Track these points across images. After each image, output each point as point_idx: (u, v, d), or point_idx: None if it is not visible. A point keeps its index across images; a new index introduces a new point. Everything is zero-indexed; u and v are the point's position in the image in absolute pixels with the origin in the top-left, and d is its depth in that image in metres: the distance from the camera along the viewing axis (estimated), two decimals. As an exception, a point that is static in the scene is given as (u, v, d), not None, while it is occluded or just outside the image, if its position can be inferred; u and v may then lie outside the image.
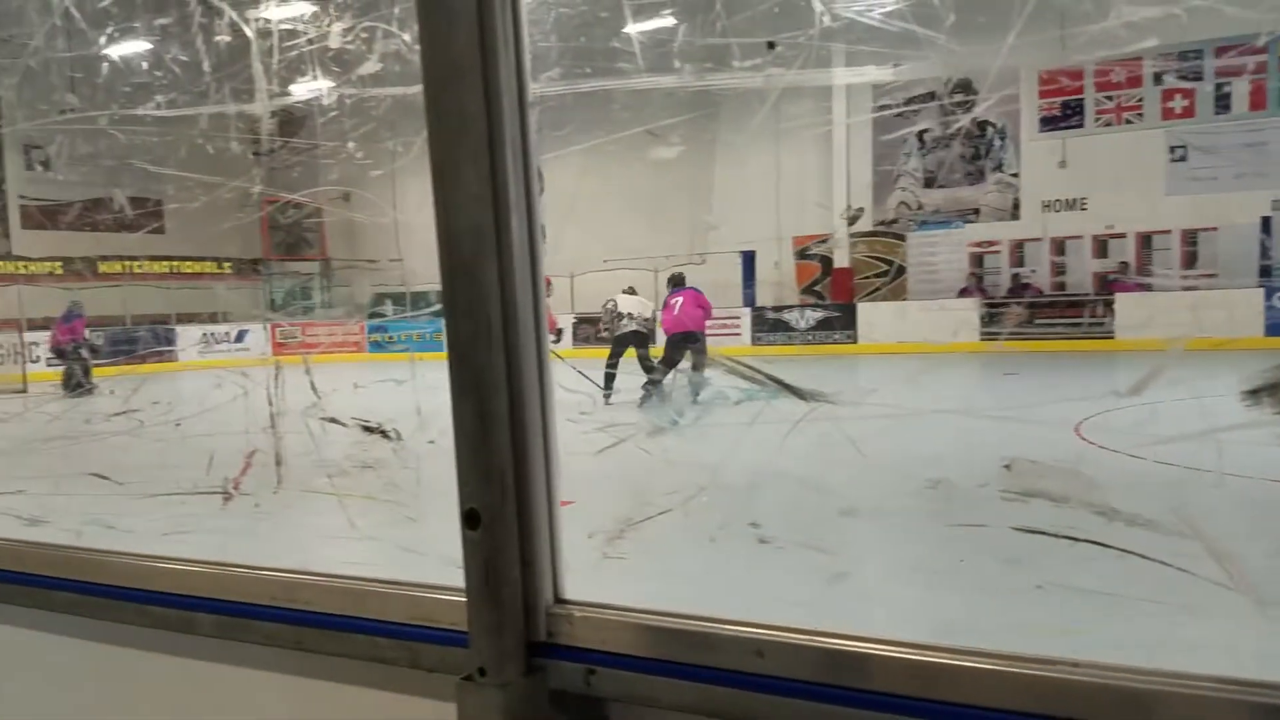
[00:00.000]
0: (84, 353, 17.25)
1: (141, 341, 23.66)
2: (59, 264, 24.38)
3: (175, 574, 1.45)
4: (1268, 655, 3.22)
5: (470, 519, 1.16)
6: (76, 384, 16.33)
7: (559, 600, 1.19)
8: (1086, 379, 12.78)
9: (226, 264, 27.93)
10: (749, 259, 21.58)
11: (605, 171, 19.81)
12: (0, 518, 1.97)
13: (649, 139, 18.25)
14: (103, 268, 25.38)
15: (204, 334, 25.19)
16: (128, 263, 25.70)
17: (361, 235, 27.89)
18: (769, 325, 20.36)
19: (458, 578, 1.21)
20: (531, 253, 1.14)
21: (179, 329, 24.96)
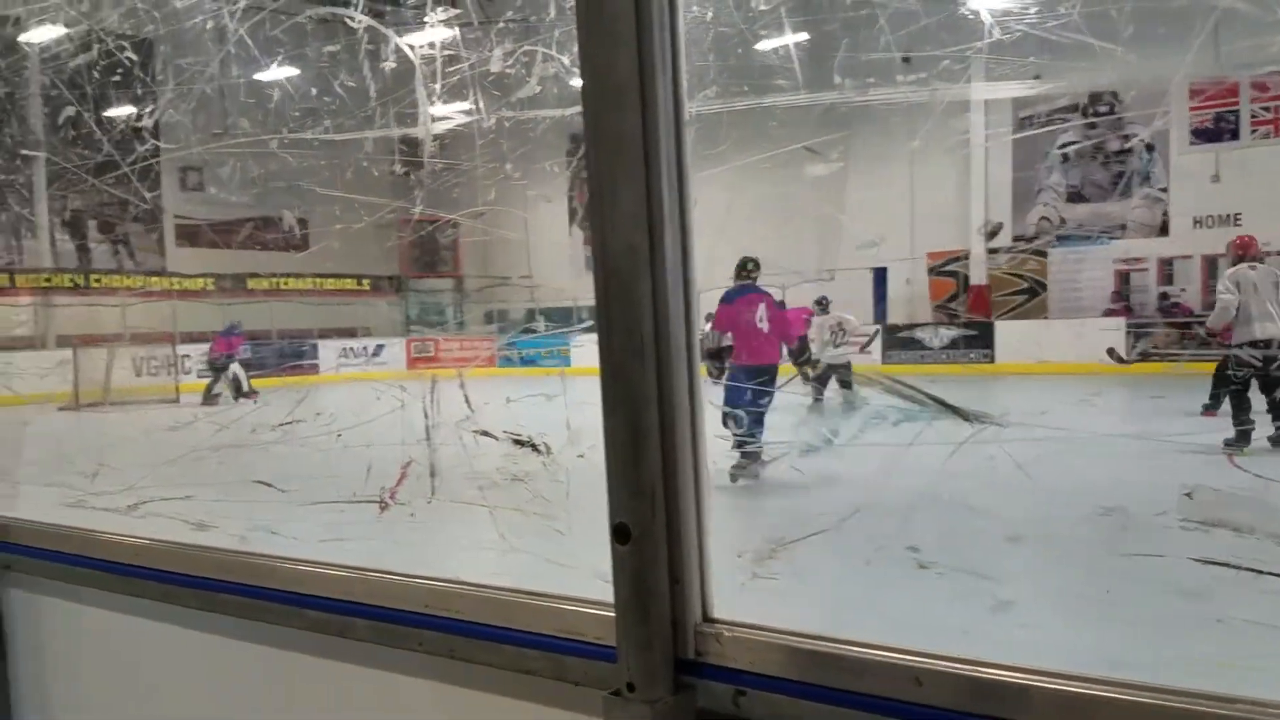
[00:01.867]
0: (235, 367, 18.24)
1: (286, 354, 24.87)
2: (211, 280, 25.86)
3: (333, 580, 1.50)
4: None
5: (620, 533, 1.16)
6: (231, 392, 17.34)
7: (708, 619, 1.18)
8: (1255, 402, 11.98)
9: (366, 280, 29.09)
10: (880, 275, 21.17)
11: (744, 188, 19.65)
12: (171, 522, 2.09)
13: (802, 155, 18.10)
14: (250, 284, 26.81)
15: (343, 348, 26.28)
16: (275, 279, 27.07)
17: (491, 253, 28.61)
18: (900, 343, 19.91)
19: (605, 592, 1.22)
20: (684, 270, 1.15)
21: (320, 343, 26.11)
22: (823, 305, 14.05)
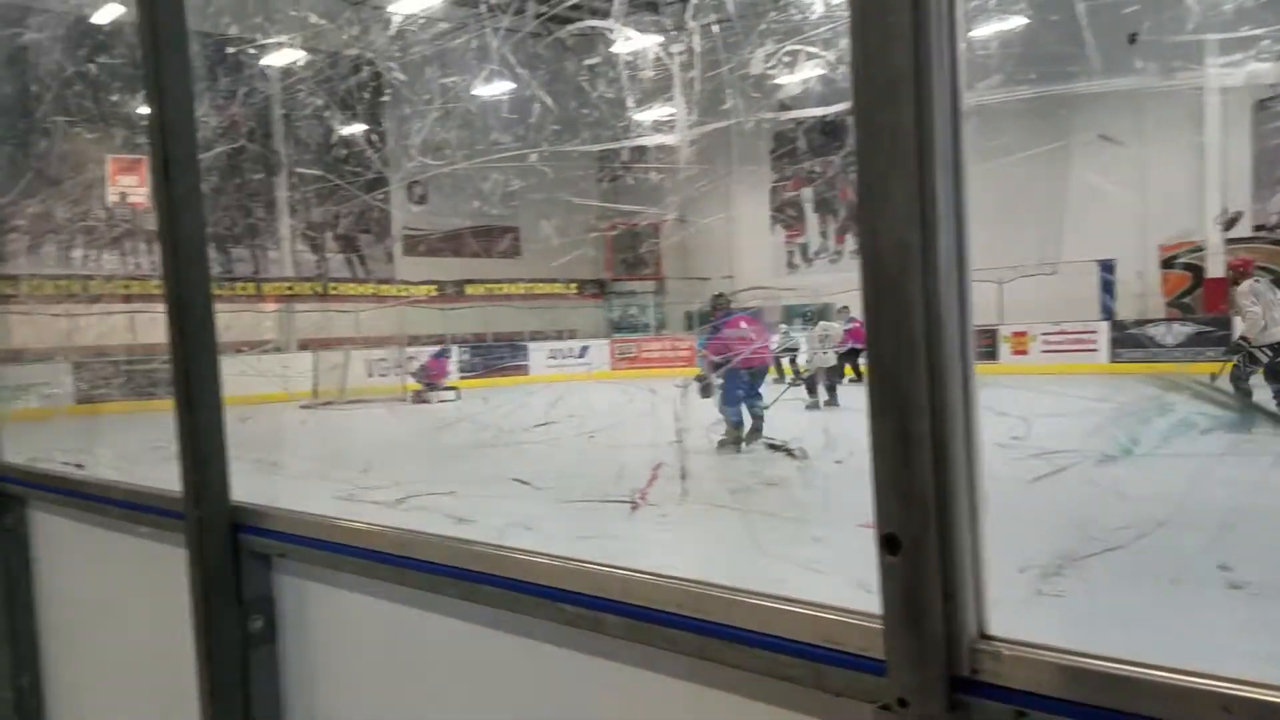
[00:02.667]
0: (440, 388, 19.56)
1: (501, 354, 26.00)
2: (434, 287, 27.40)
3: (587, 575, 1.54)
4: None
5: (889, 544, 1.13)
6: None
7: (984, 636, 1.13)
8: None
9: (573, 284, 30.02)
10: (1107, 268, 19.86)
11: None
12: (435, 515, 2.21)
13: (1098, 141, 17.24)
14: (468, 289, 28.22)
15: (551, 350, 27.22)
16: (491, 285, 28.38)
17: (691, 254, 28.84)
18: (1130, 341, 18.60)
19: (867, 602, 1.19)
20: (959, 270, 1.10)
21: (530, 345, 27.16)
22: (843, 314, 15.63)
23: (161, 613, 2.56)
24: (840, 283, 22.64)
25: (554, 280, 29.07)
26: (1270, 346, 10.18)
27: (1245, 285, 10.76)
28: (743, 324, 10.28)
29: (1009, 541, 1.31)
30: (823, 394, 13.36)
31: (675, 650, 1.44)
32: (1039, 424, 9.04)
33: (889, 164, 1.08)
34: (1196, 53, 14.57)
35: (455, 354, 24.22)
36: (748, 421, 8.99)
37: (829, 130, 24.10)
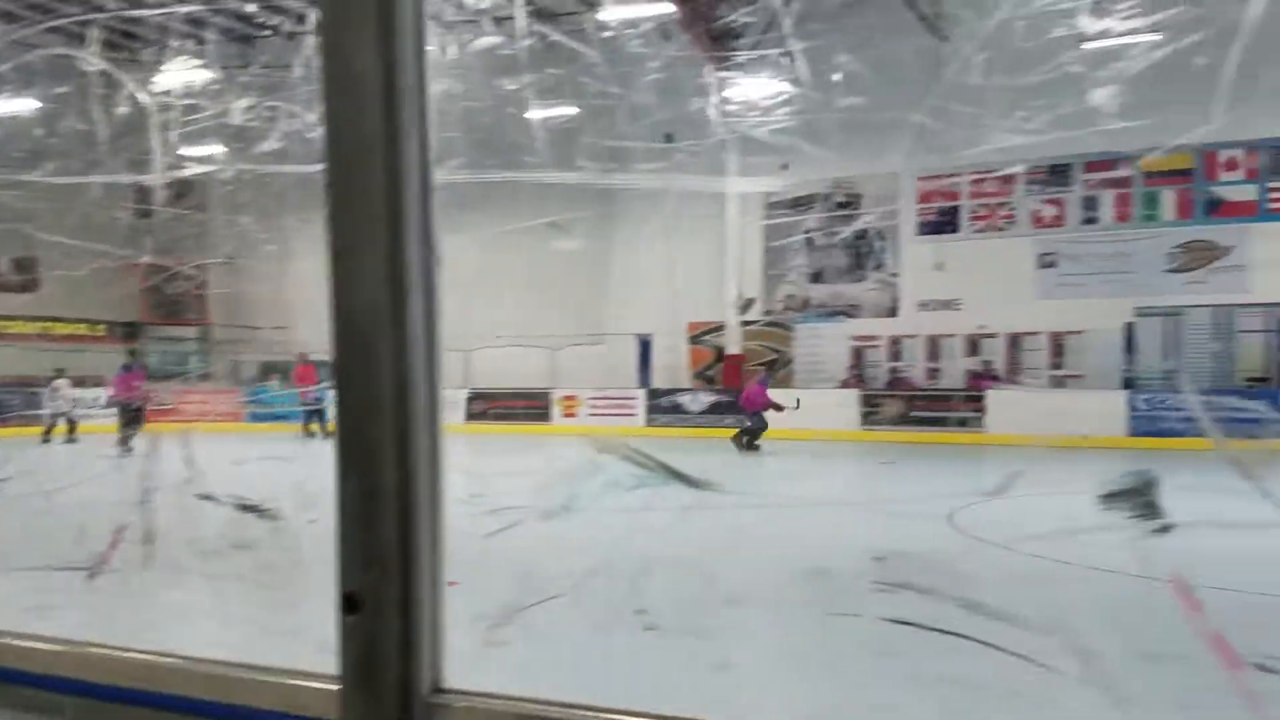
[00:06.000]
0: None
1: (11, 405, 22.35)
2: (-80, 324, 23.00)
3: (39, 654, 1.36)
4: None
5: (349, 603, 1.12)
6: None
7: (438, 689, 1.16)
8: (959, 472, 13.21)
9: (100, 326, 26.77)
10: (645, 343, 21.82)
11: (509, 255, 19.97)
12: None
13: (552, 229, 18.53)
14: (-38, 327, 24.06)
15: (73, 398, 23.89)
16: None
17: (245, 305, 27.12)
18: (663, 408, 20.53)
19: (334, 664, 1.17)
20: (429, 331, 1.14)
21: (48, 391, 23.61)
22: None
23: None
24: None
25: (79, 320, 25.71)
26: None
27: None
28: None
29: (465, 594, 1.37)
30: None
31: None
32: (496, 482, 9.84)
33: (361, 227, 1.10)
34: (719, 162, 16.76)
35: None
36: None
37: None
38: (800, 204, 21.02)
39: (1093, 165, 18.17)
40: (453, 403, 21.77)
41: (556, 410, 21.07)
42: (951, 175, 19.32)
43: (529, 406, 20.74)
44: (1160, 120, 11.51)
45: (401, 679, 1.13)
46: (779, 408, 15.38)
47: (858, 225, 20.40)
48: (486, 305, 22.15)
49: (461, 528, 1.23)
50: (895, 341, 20.27)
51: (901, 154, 16.11)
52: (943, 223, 19.84)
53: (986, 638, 4.24)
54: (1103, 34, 9.69)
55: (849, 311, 20.80)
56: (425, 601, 1.15)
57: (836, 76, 12.11)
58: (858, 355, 20.52)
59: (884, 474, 13.31)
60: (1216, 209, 17.70)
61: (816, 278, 21.26)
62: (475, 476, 9.31)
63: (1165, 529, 5.72)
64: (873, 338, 20.49)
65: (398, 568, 1.13)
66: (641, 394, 20.95)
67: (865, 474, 13.54)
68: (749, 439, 15.57)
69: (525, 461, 11.35)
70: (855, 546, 6.48)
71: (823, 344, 20.95)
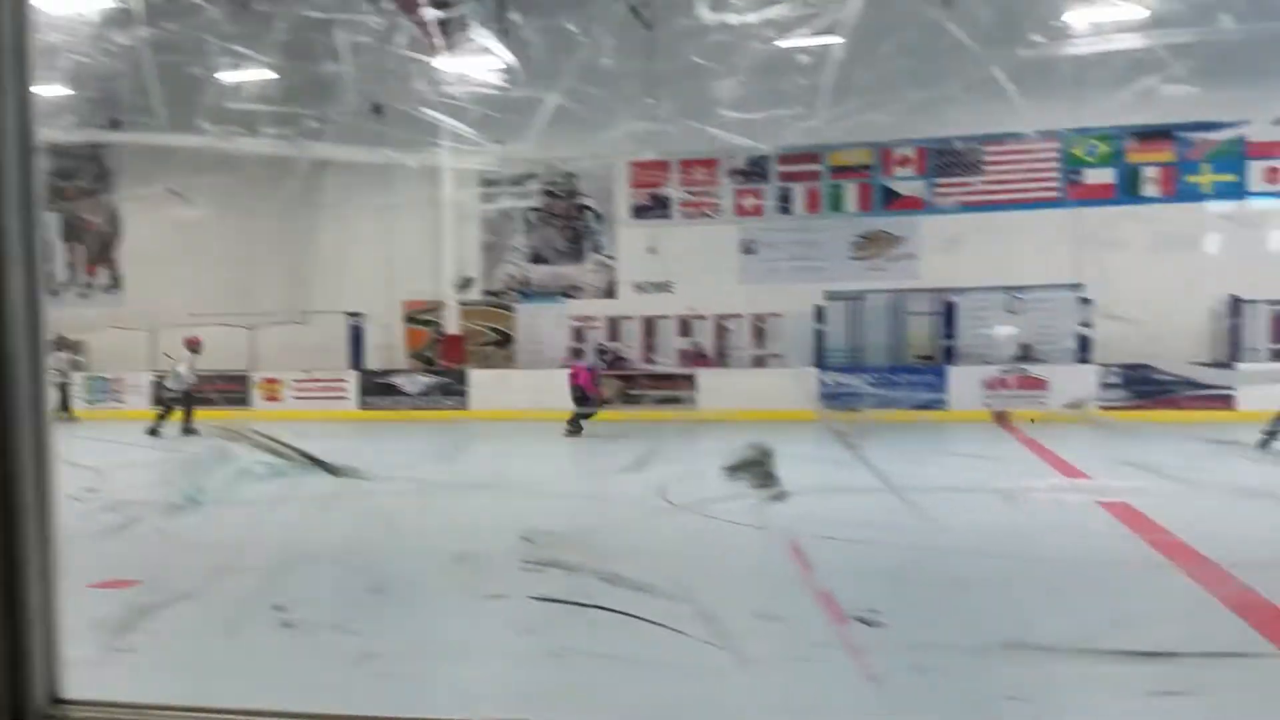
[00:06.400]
0: None
1: None
2: None
3: None
4: (748, 710, 3.66)
5: (-60, 615, 1.00)
6: None
7: (57, 700, 1.06)
8: (618, 450, 13.22)
9: None
10: (356, 323, 21.09)
11: (204, 230, 18.57)
12: None
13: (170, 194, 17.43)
14: None
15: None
16: None
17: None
18: (378, 389, 19.93)
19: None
20: (31, 310, 1.03)
21: None
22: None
23: None
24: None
25: None
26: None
27: None
28: None
29: (83, 598, 1.26)
30: None
31: None
32: (115, 475, 9.28)
33: (-57, 192, 0.97)
34: (433, 133, 16.44)
35: None
36: None
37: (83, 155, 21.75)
38: (518, 183, 21.07)
39: (785, 158, 19.52)
40: (135, 388, 20.02)
41: (256, 394, 19.93)
42: (662, 162, 20.09)
43: (224, 390, 19.42)
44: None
45: (11, 692, 1.02)
46: (601, 397, 15.20)
47: (574, 205, 20.77)
48: (175, 282, 20.55)
49: (75, 527, 1.13)
50: (614, 322, 20.83)
51: (615, 137, 16.55)
52: (655, 207, 20.60)
53: (625, 608, 4.49)
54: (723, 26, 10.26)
55: (569, 293, 21.13)
56: (36, 608, 1.04)
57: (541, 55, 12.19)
58: (578, 336, 20.92)
59: (541, 454, 13.43)
60: (892, 202, 19.56)
61: (537, 259, 21.43)
62: (90, 470, 8.71)
63: (780, 496, 6.32)
64: (592, 319, 20.95)
65: (2, 574, 1.02)
66: (354, 376, 20.24)
67: (530, 454, 13.50)
68: (576, 421, 15.27)
69: (148, 453, 10.67)
70: (505, 527, 6.58)
71: (543, 324, 21.18)
